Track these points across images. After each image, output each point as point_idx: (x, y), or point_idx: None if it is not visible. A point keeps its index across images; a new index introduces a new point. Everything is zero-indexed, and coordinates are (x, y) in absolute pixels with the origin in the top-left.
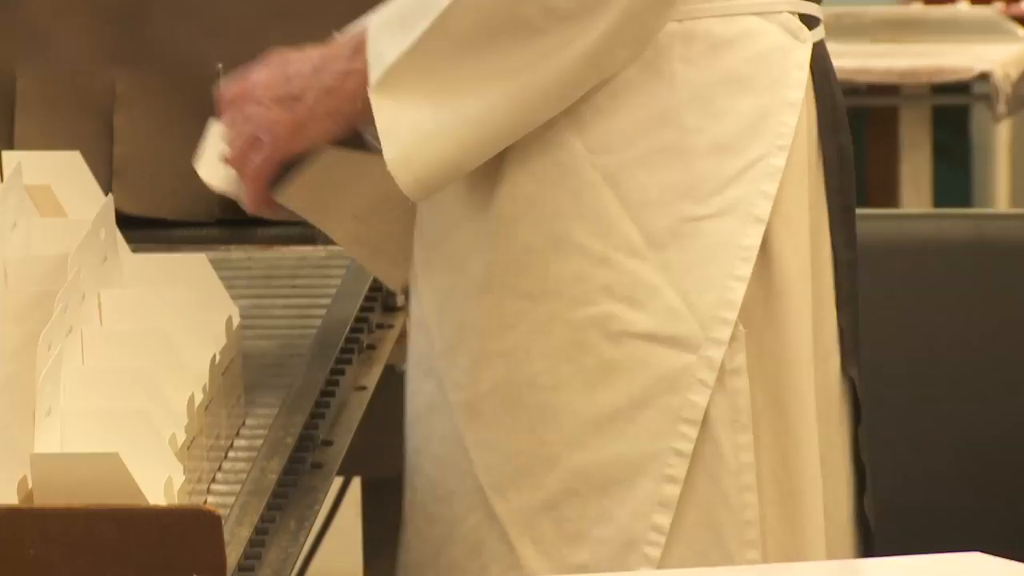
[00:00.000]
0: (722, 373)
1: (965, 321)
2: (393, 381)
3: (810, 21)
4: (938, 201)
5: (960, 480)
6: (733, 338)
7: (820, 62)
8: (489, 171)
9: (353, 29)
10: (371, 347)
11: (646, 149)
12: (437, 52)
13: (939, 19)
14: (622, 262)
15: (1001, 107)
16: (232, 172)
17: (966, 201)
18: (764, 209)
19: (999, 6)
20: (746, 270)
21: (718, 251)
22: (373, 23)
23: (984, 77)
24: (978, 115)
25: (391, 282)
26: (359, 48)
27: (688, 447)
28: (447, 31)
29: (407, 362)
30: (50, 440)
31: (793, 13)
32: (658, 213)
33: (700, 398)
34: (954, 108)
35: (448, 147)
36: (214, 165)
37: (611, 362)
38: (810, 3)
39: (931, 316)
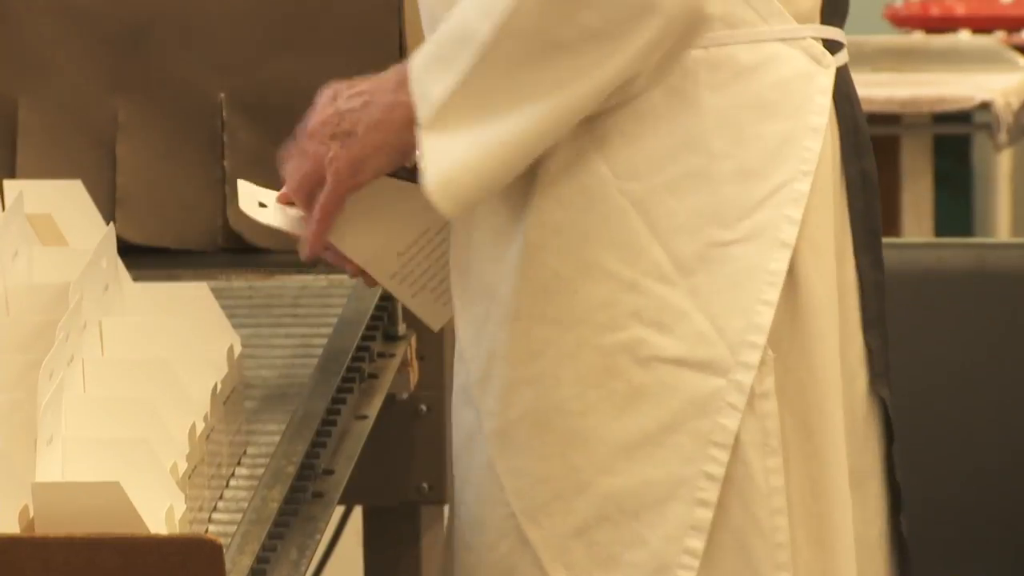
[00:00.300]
0: (752, 397)
1: (966, 351)
2: (394, 410)
3: (833, 46)
4: (939, 230)
5: (959, 507)
6: (762, 362)
7: (843, 87)
8: (517, 199)
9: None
10: (372, 376)
11: (674, 175)
12: (482, 83)
13: (940, 48)
14: (651, 287)
15: (1002, 136)
16: (293, 212)
17: (967, 230)
18: (790, 234)
19: (1000, 36)
20: (773, 295)
21: (746, 276)
22: (415, 62)
23: (985, 106)
24: (979, 144)
25: (432, 321)
26: (403, 81)
27: (719, 471)
28: (491, 61)
29: (453, 395)
30: (51, 469)
31: (816, 39)
32: (686, 238)
33: (730, 422)
34: (955, 137)
35: (484, 167)
36: (267, 208)
37: (641, 387)
38: (833, 28)
39: (932, 345)
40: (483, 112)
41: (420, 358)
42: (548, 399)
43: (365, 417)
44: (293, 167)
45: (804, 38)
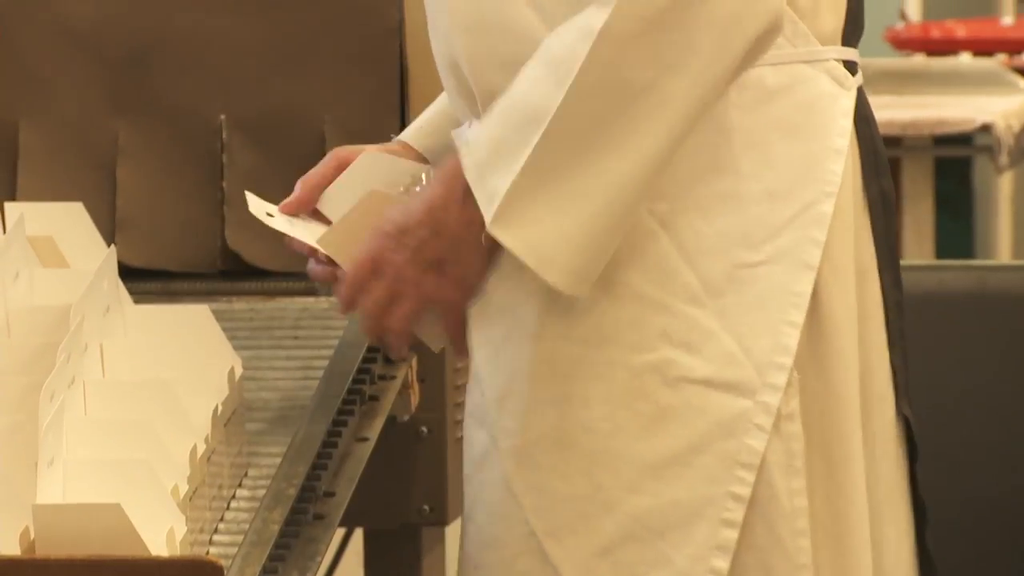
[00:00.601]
0: (778, 418)
1: (968, 373)
2: (395, 432)
3: (852, 67)
4: (940, 252)
5: (960, 531)
6: (788, 383)
7: (861, 108)
8: None
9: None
10: (373, 398)
11: (703, 195)
12: (551, 159)
13: (941, 71)
14: (680, 308)
15: (1003, 159)
16: (299, 221)
17: (968, 253)
18: (814, 256)
19: (1001, 58)
20: (799, 316)
21: (772, 297)
22: (470, 166)
23: (986, 129)
24: (980, 167)
25: (433, 343)
26: (461, 191)
27: (745, 491)
28: (557, 131)
29: (464, 416)
30: (52, 490)
31: (838, 60)
32: (714, 259)
33: (757, 443)
34: (956, 160)
35: (585, 233)
36: (274, 217)
37: (669, 408)
38: (852, 49)
39: (934, 368)
40: (560, 183)
41: (421, 380)
42: (574, 418)
43: (366, 439)
44: (381, 302)
45: (827, 60)
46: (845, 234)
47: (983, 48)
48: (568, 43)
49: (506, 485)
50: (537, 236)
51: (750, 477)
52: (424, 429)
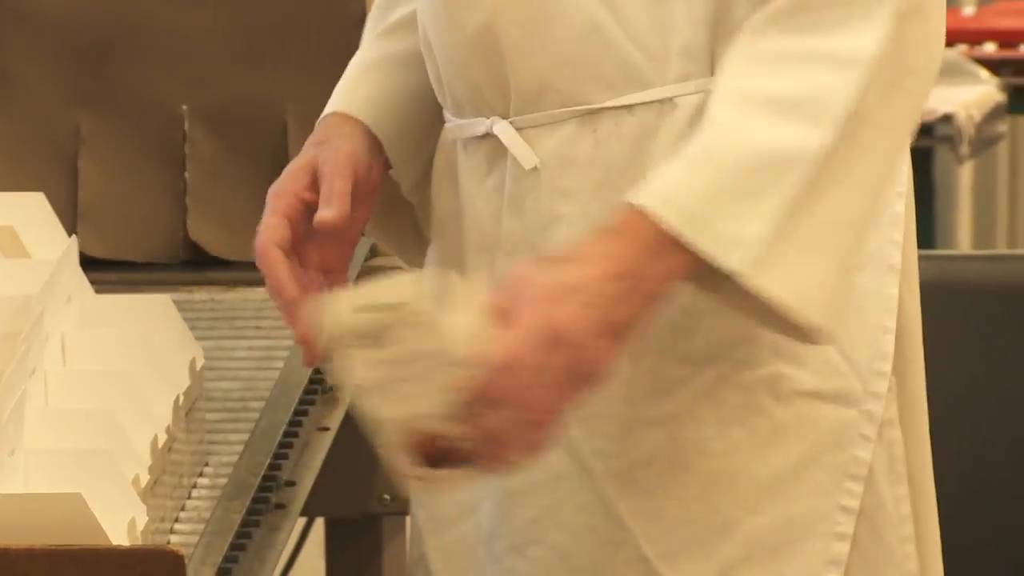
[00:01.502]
0: (880, 426)
1: (929, 363)
2: (356, 422)
3: None
4: None
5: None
6: (888, 389)
7: None
8: None
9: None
10: (334, 388)
11: None
12: (822, 195)
13: None
14: None
15: (964, 149)
16: None
17: (929, 243)
18: (896, 258)
19: (962, 48)
20: (892, 321)
21: (866, 303)
22: (678, 206)
23: (947, 119)
24: (941, 157)
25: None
26: (663, 245)
27: (855, 503)
28: (830, 166)
29: None
30: (13, 480)
31: None
32: None
33: (864, 453)
34: (917, 150)
35: (844, 270)
36: None
37: (782, 423)
38: None
39: None
40: (829, 226)
41: None
42: (684, 439)
43: (327, 429)
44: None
45: None
46: (911, 234)
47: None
48: (805, 77)
49: (605, 509)
50: (795, 279)
51: (858, 488)
52: None
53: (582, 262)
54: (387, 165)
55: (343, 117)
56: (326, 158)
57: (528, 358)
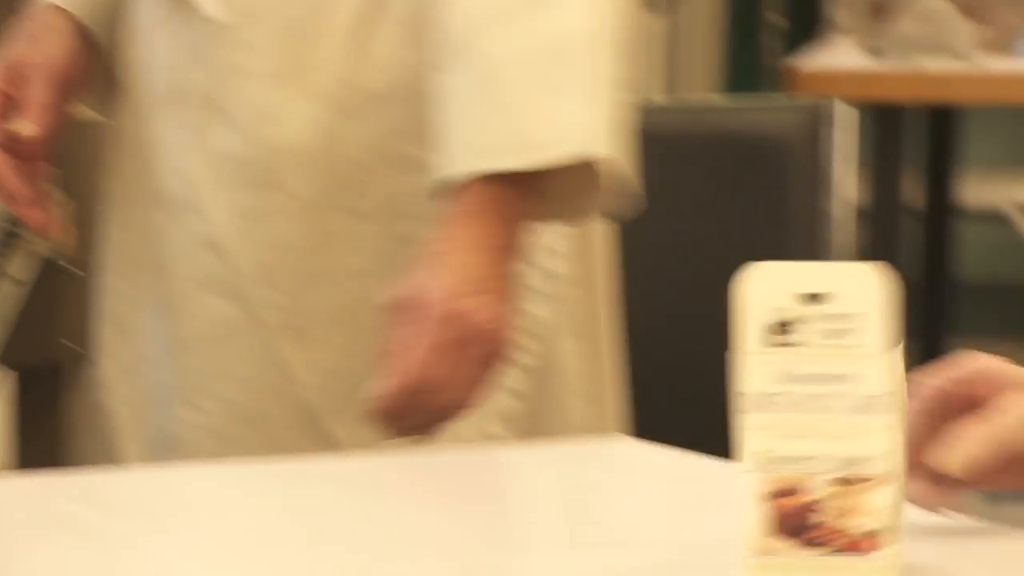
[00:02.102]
0: (561, 284)
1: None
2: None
3: None
4: None
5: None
6: (571, 249)
7: None
8: None
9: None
10: (14, 236)
11: None
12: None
13: None
14: None
15: None
16: None
17: None
18: None
19: None
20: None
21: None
22: (494, 151)
23: None
24: None
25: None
26: (507, 201)
27: (530, 360)
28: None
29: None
30: None
31: None
32: None
33: (541, 310)
34: None
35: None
36: None
37: None
38: None
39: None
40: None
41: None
42: (362, 296)
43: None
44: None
45: None
46: None
47: None
48: None
49: (273, 362)
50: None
51: (534, 346)
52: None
53: (449, 260)
54: (96, 51)
55: (56, 10)
56: (35, 62)
57: (439, 370)
